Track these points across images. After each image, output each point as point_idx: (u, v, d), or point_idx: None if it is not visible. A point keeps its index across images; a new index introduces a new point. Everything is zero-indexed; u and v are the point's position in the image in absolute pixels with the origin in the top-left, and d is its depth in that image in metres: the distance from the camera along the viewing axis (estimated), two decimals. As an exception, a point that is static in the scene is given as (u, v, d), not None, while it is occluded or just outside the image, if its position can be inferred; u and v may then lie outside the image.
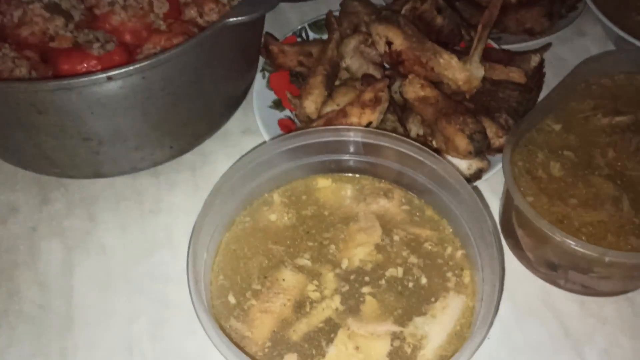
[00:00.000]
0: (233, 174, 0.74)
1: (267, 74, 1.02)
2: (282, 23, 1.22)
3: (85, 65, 0.83)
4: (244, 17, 0.76)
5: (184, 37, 0.85)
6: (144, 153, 0.86)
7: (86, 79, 0.70)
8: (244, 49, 0.91)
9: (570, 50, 1.17)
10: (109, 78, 0.71)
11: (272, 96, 1.00)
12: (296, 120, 0.99)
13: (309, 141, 0.77)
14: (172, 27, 0.87)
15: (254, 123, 1.01)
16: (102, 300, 0.84)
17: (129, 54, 0.88)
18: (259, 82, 1.01)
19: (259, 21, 0.97)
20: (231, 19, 0.76)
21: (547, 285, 0.86)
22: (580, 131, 0.89)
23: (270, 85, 1.01)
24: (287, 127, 0.97)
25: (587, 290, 0.84)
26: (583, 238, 0.77)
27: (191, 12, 0.92)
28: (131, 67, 0.71)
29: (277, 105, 1.00)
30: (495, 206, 0.94)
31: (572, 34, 1.18)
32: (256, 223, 0.77)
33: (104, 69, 0.81)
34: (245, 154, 0.76)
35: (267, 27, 1.05)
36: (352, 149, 0.79)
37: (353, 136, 0.77)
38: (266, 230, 0.76)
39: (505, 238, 0.90)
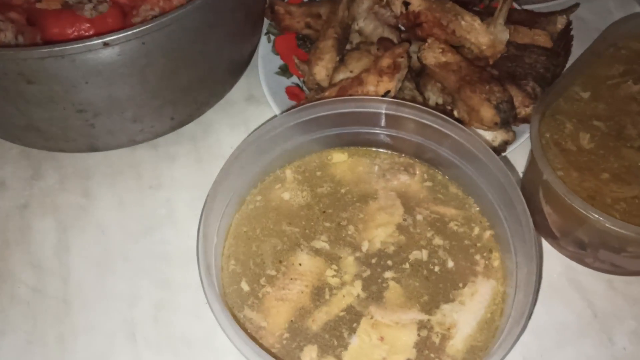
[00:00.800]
0: (243, 149, 0.68)
1: (272, 37, 0.95)
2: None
3: (76, 28, 0.76)
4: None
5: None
6: (143, 125, 0.79)
7: (80, 44, 0.63)
8: (248, 10, 0.83)
9: (590, 10, 1.11)
10: (106, 44, 0.64)
11: (278, 61, 0.93)
12: (304, 88, 0.92)
13: (325, 113, 0.71)
14: (170, -12, 0.79)
15: (258, 90, 0.94)
16: (100, 282, 0.78)
17: (124, 16, 0.80)
18: (264, 46, 0.94)
19: (264, -21, 0.89)
20: (238, -22, 0.68)
21: (573, 263, 0.81)
22: (610, 99, 0.84)
23: (276, 49, 0.94)
24: (295, 95, 0.90)
25: (616, 269, 0.79)
26: (616, 215, 0.73)
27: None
28: (129, 32, 0.64)
29: (284, 71, 0.93)
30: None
31: (593, -8, 1.11)
32: (268, 202, 0.71)
33: (97, 34, 0.75)
34: (257, 128, 0.70)
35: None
36: (370, 121, 0.73)
37: (374, 107, 0.70)
38: (279, 210, 0.71)
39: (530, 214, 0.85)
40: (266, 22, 0.96)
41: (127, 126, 0.78)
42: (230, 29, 0.80)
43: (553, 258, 0.82)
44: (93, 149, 0.82)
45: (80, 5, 0.76)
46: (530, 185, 0.84)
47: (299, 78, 0.93)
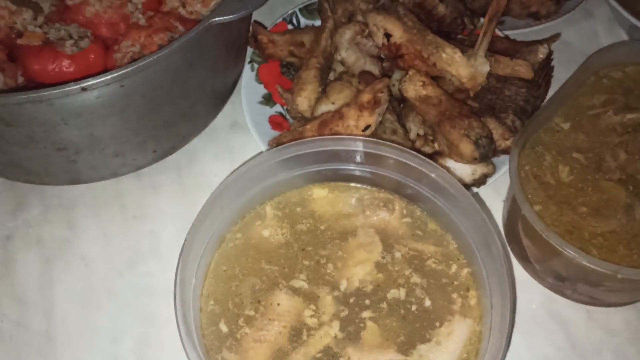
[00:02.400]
0: (223, 190, 0.68)
1: (256, 66, 0.95)
2: (271, 4, 1.14)
3: (57, 65, 0.76)
4: (231, 16, 0.69)
5: (165, 34, 0.77)
6: (125, 159, 0.80)
7: (58, 90, 0.63)
8: (231, 44, 0.84)
9: (576, 32, 1.11)
10: (84, 89, 0.64)
11: (261, 90, 0.94)
12: (288, 117, 0.93)
13: (305, 151, 0.71)
14: (153, 22, 0.79)
15: (242, 116, 0.94)
16: (83, 316, 0.79)
17: (106, 50, 0.81)
18: (248, 74, 0.94)
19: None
20: (217, 19, 0.69)
21: (553, 294, 0.82)
22: (591, 130, 0.84)
23: (259, 77, 0.94)
24: (278, 124, 0.91)
25: (595, 302, 0.80)
26: (593, 251, 0.73)
27: (173, 2, 0.84)
28: (108, 77, 0.64)
29: (267, 100, 0.93)
30: (498, 208, 0.89)
31: (578, 15, 1.11)
32: (248, 240, 0.72)
33: (79, 70, 0.75)
34: (237, 168, 0.70)
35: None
36: (350, 158, 0.74)
37: (353, 146, 0.71)
38: (259, 247, 0.71)
39: (509, 244, 0.86)
40: (250, 50, 0.96)
41: (109, 161, 0.79)
42: (212, 64, 0.80)
43: (533, 289, 0.82)
44: (75, 182, 0.83)
45: (61, 42, 0.77)
46: (511, 217, 0.85)
47: (282, 106, 0.94)
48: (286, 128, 0.91)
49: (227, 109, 0.97)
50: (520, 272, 0.84)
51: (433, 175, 0.70)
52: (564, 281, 0.79)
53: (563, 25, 1.08)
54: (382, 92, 0.79)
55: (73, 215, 0.88)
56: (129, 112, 0.71)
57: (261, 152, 0.85)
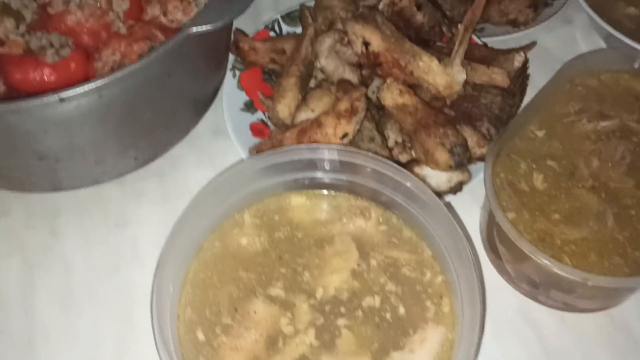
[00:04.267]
0: (201, 198, 0.69)
1: (237, 73, 0.96)
2: (253, 9, 1.15)
3: (38, 74, 0.77)
4: (208, 26, 0.70)
5: (145, 43, 0.78)
6: (106, 167, 0.81)
7: (36, 102, 0.64)
8: (211, 52, 0.85)
9: (555, 39, 1.12)
10: (62, 99, 0.65)
11: (243, 97, 0.95)
12: (269, 123, 0.94)
13: (283, 159, 0.73)
14: (133, 31, 0.80)
15: (225, 123, 0.95)
16: (65, 323, 0.80)
17: (87, 59, 0.82)
18: (229, 81, 0.95)
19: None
20: (194, 29, 0.70)
21: (528, 300, 0.84)
22: (565, 138, 0.86)
23: (241, 84, 0.95)
24: (260, 131, 0.92)
25: (568, 307, 0.82)
26: (565, 258, 0.75)
27: (154, 10, 0.85)
28: (86, 88, 0.65)
29: (249, 107, 0.94)
30: (476, 214, 0.90)
31: (557, 22, 1.12)
32: (226, 248, 0.73)
33: (60, 79, 0.76)
34: (216, 176, 0.71)
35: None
36: (327, 167, 0.75)
37: (329, 155, 0.72)
38: (236, 255, 0.72)
39: (487, 251, 0.87)
40: (231, 57, 0.97)
41: (90, 169, 0.80)
42: (191, 73, 0.81)
43: (509, 295, 0.84)
44: (57, 189, 0.84)
45: (42, 51, 0.77)
46: (488, 224, 0.86)
47: (264, 113, 0.95)
48: (267, 135, 0.92)
49: (210, 115, 0.98)
50: (497, 278, 0.85)
51: (408, 184, 0.71)
52: (538, 287, 0.81)
53: (542, 32, 1.09)
54: (359, 101, 0.80)
55: (56, 222, 0.89)
56: (108, 121, 0.72)
57: (241, 160, 0.86)
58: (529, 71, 0.94)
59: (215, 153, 0.96)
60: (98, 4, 0.83)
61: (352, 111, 0.80)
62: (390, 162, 0.71)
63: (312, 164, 0.75)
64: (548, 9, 1.09)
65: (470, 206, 0.91)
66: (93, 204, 0.90)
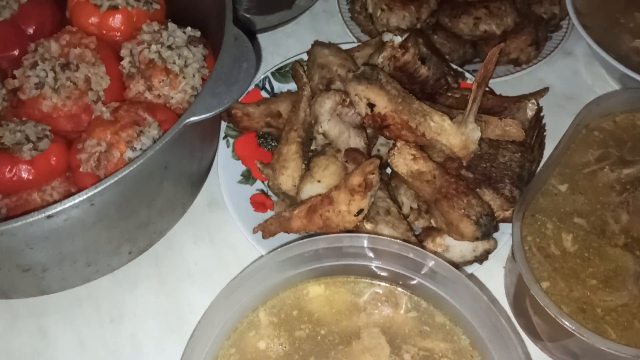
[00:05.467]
0: (217, 307, 0.62)
1: (231, 141, 0.89)
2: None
3: (15, 173, 0.69)
4: (206, 115, 0.63)
5: (132, 129, 0.71)
6: (98, 266, 0.73)
7: (20, 223, 0.56)
8: (205, 131, 0.77)
9: (557, 74, 1.07)
10: (49, 217, 0.57)
11: (240, 167, 0.87)
12: (270, 193, 0.87)
13: (300, 252, 0.66)
14: (118, 115, 0.72)
15: (219, 192, 0.88)
16: None
17: (68, 147, 0.74)
18: (223, 151, 0.88)
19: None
20: (192, 119, 0.63)
21: (566, 367, 0.78)
22: (589, 190, 0.81)
23: (236, 153, 0.88)
24: (261, 204, 0.85)
25: (611, 376, 0.77)
26: (609, 330, 0.70)
27: (138, 87, 0.78)
28: (76, 200, 0.57)
29: (247, 177, 0.87)
30: (499, 275, 0.85)
31: (557, 55, 1.07)
32: (243, 355, 0.66)
33: (39, 175, 0.69)
34: (232, 280, 0.64)
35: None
36: (348, 253, 0.68)
37: (357, 242, 0.66)
38: (257, 363, 0.65)
39: (516, 317, 0.82)
40: (223, 124, 0.90)
41: (80, 271, 0.72)
42: (187, 158, 0.74)
43: (544, 362, 0.79)
44: (45, 293, 0.75)
45: (18, 147, 0.69)
46: (518, 292, 0.81)
47: (263, 182, 0.88)
48: (269, 207, 0.85)
49: (204, 187, 0.91)
50: (529, 343, 0.80)
51: (430, 264, 0.65)
52: (578, 358, 0.75)
53: (543, 67, 1.05)
54: (373, 174, 0.74)
55: (44, 322, 0.80)
56: (100, 226, 0.65)
57: (260, 257, 0.79)
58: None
59: (212, 227, 0.89)
60: (75, 85, 0.75)
61: (367, 186, 0.73)
62: (411, 245, 0.65)
63: (333, 251, 0.68)
64: (548, 43, 1.04)
65: (493, 267, 0.85)
66: (84, 299, 0.82)
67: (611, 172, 0.82)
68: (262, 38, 1.11)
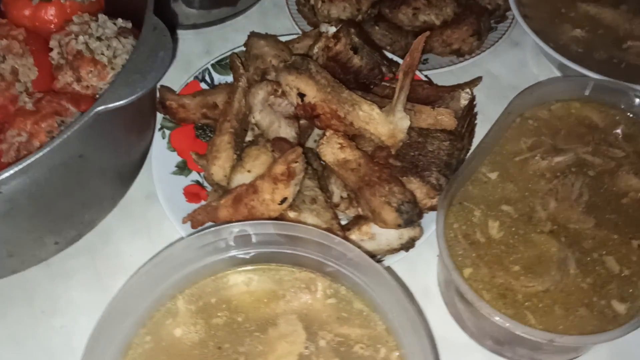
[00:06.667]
0: (129, 291, 0.62)
1: (167, 132, 0.89)
2: (182, 57, 1.08)
3: None
4: (118, 103, 0.63)
5: (53, 119, 0.71)
6: (23, 257, 0.73)
7: None
8: (132, 119, 0.77)
9: (504, 64, 1.07)
10: (-49, 204, 0.57)
11: (175, 159, 0.87)
12: (206, 184, 0.87)
13: (218, 238, 0.66)
14: (40, 106, 0.73)
15: (158, 185, 0.88)
16: None
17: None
18: (158, 143, 0.88)
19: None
20: (102, 107, 0.63)
21: (494, 355, 0.78)
22: (519, 178, 0.81)
23: (172, 145, 0.88)
24: (195, 195, 0.85)
25: (536, 362, 0.77)
26: (529, 315, 0.70)
27: (66, 78, 0.78)
28: (-22, 189, 0.57)
29: (182, 168, 0.87)
30: (434, 263, 0.85)
31: (504, 45, 1.07)
32: (158, 342, 0.66)
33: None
34: (149, 260, 0.64)
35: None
36: (267, 241, 0.68)
37: (267, 229, 0.66)
38: (170, 350, 0.65)
39: (447, 305, 0.82)
40: (160, 115, 0.90)
41: (3, 262, 0.72)
42: (109, 148, 0.74)
43: (474, 350, 0.79)
44: (-31, 285, 0.76)
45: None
46: (445, 277, 0.81)
47: (199, 173, 0.88)
48: (204, 198, 0.85)
49: (141, 178, 0.91)
50: (460, 334, 0.80)
51: (350, 255, 0.65)
52: (502, 345, 0.75)
53: (489, 57, 1.05)
54: (296, 162, 0.74)
55: (-28, 316, 0.81)
56: (14, 216, 0.65)
57: (179, 239, 0.79)
58: (477, 108, 0.88)
59: (150, 219, 0.89)
60: (1, 76, 0.75)
61: (290, 174, 0.73)
62: (325, 232, 0.66)
63: (247, 241, 0.69)
64: (493, 33, 1.04)
65: (429, 256, 0.85)
66: (16, 292, 0.82)
67: (542, 160, 0.82)
68: (210, 32, 1.11)
